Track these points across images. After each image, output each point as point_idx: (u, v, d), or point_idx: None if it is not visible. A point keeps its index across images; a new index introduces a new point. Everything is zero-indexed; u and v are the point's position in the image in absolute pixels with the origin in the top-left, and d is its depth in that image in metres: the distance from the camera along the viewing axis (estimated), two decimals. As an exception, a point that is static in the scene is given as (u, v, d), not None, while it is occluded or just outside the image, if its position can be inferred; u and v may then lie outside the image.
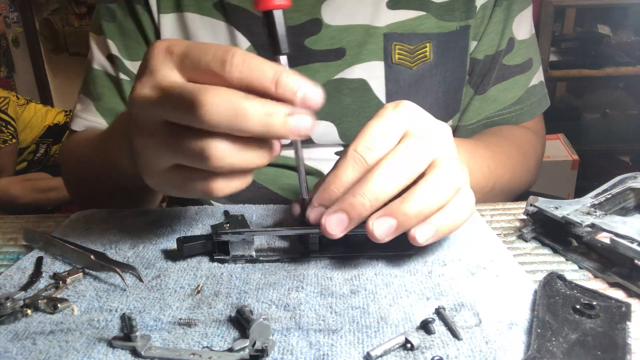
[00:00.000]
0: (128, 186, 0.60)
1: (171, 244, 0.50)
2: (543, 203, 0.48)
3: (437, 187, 0.40)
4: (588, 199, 0.49)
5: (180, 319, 0.37)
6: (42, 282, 0.44)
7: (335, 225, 0.40)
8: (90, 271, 0.45)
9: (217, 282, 0.43)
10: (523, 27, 0.76)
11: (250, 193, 0.74)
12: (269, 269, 0.45)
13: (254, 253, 0.46)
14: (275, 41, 0.41)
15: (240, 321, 0.36)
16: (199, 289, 0.42)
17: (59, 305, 0.39)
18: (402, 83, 0.70)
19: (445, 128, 0.44)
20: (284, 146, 0.40)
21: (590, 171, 2.10)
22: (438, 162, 0.41)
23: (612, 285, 0.41)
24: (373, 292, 0.40)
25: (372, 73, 0.70)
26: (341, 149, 0.74)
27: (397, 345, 0.34)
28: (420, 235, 0.40)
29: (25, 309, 0.39)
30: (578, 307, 0.36)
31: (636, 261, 0.41)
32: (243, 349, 0.34)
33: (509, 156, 0.71)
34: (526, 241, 0.50)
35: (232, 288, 0.42)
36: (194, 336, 0.36)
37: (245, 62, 0.36)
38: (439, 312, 0.37)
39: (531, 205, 0.49)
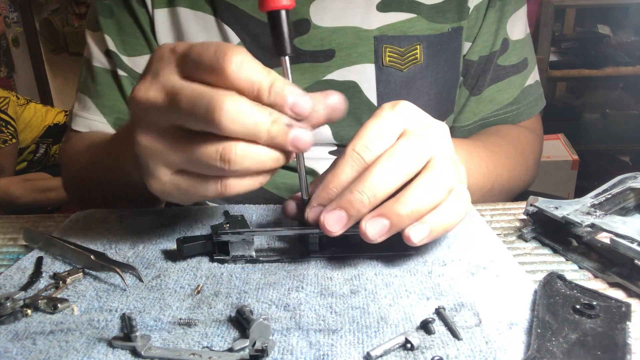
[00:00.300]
0: (133, 193, 0.60)
1: (171, 244, 0.50)
2: (543, 203, 0.48)
3: (430, 188, 0.40)
4: (588, 199, 0.49)
5: (180, 319, 0.37)
6: (42, 282, 0.44)
7: (334, 223, 0.40)
8: (90, 271, 0.45)
9: (217, 282, 0.43)
10: (517, 27, 0.76)
11: (247, 193, 0.73)
12: (269, 269, 0.45)
13: (253, 253, 0.46)
14: (279, 42, 0.41)
15: (240, 321, 0.36)
16: (199, 289, 0.42)
17: (59, 305, 0.39)
18: (393, 85, 0.71)
19: (442, 126, 0.44)
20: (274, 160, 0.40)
21: (590, 171, 2.10)
22: (432, 161, 0.41)
23: (612, 285, 0.41)
24: (373, 292, 0.40)
25: (362, 75, 0.70)
26: (335, 148, 0.74)
27: (397, 345, 0.34)
28: (415, 235, 0.40)
29: (25, 309, 0.39)
30: (578, 307, 0.36)
31: (636, 261, 0.41)
32: (243, 349, 0.34)
33: (507, 155, 0.71)
34: (526, 241, 0.50)
35: (232, 288, 0.42)
36: (194, 336, 0.36)
37: (245, 61, 0.36)
38: (439, 312, 0.37)
39: (531, 205, 0.49)
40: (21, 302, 0.39)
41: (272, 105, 0.37)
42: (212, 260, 0.46)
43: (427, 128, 0.42)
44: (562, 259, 0.46)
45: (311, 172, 0.73)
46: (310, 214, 0.43)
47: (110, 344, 0.35)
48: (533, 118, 0.80)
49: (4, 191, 2.00)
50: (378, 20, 0.69)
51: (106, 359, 0.34)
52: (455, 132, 0.79)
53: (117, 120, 0.75)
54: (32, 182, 2.09)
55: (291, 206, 0.46)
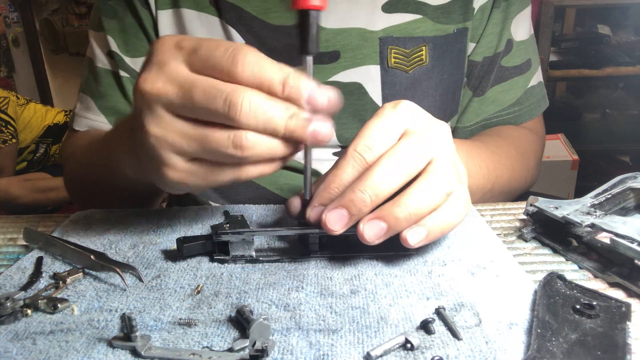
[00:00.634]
0: (129, 190, 0.60)
1: (171, 244, 0.50)
2: (543, 203, 0.48)
3: (428, 191, 0.40)
4: (588, 199, 0.49)
5: (180, 319, 0.37)
6: (42, 282, 0.44)
7: (336, 221, 0.40)
8: (90, 271, 0.45)
9: (217, 282, 0.43)
10: (522, 28, 0.76)
11: (248, 193, 0.73)
12: (269, 269, 0.45)
13: (253, 253, 0.46)
14: (305, 41, 0.41)
15: (240, 321, 0.36)
16: (199, 289, 0.42)
17: (59, 305, 0.39)
18: (399, 87, 0.70)
19: (444, 127, 0.44)
20: (290, 150, 0.41)
21: (590, 171, 2.10)
22: (433, 163, 0.41)
23: (612, 285, 0.41)
24: (373, 292, 0.40)
25: (368, 77, 0.70)
26: (339, 149, 0.74)
27: (397, 345, 0.34)
28: (412, 238, 0.40)
29: (25, 309, 0.39)
30: (578, 307, 0.36)
31: (636, 261, 0.41)
32: (243, 349, 0.34)
33: (508, 156, 0.71)
34: (526, 241, 0.50)
35: (232, 288, 0.42)
36: (194, 336, 0.36)
37: (256, 62, 0.37)
38: (439, 312, 0.37)
39: (531, 205, 0.49)
40: (21, 302, 0.39)
41: (288, 100, 0.38)
42: (212, 260, 0.46)
43: (428, 128, 0.42)
44: (562, 259, 0.46)
45: (315, 173, 0.73)
46: (311, 213, 0.43)
47: (110, 344, 0.35)
48: (535, 119, 0.80)
49: (4, 191, 2.00)
50: (383, 22, 0.69)
51: (106, 359, 0.34)
52: (457, 133, 0.79)
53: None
54: (32, 182, 2.09)
55: (294, 205, 0.46)
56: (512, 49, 0.75)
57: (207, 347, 0.35)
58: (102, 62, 0.74)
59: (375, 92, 0.70)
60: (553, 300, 0.37)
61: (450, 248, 0.47)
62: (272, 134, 0.38)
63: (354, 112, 0.71)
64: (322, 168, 0.73)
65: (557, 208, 0.47)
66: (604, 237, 0.46)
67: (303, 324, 0.37)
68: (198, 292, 0.41)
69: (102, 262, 0.44)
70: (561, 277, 0.40)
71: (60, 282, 0.43)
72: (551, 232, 0.49)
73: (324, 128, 0.39)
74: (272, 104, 0.37)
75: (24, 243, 0.51)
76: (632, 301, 0.38)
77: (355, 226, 0.41)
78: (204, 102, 0.37)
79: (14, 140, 2.10)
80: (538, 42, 0.81)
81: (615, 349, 0.32)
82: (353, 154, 0.41)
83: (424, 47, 0.70)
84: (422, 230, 0.40)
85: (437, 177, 0.41)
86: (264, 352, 0.32)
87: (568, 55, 2.39)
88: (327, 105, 0.38)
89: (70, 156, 0.75)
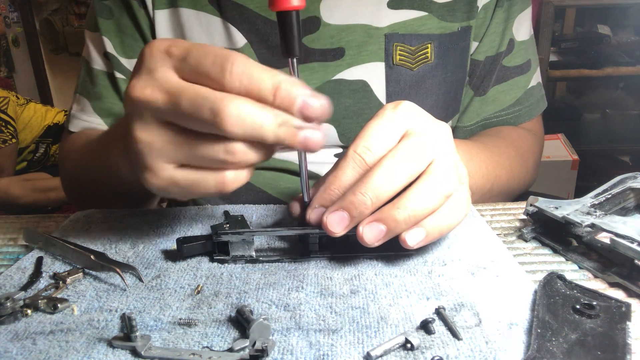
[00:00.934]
0: (124, 190, 0.60)
1: (171, 244, 0.50)
2: (543, 203, 0.48)
3: (427, 193, 0.40)
4: (588, 199, 0.49)
5: (180, 319, 0.37)
6: (42, 282, 0.44)
7: (337, 224, 0.40)
8: (90, 271, 0.45)
9: (217, 282, 0.43)
10: (523, 28, 0.76)
11: (249, 197, 0.73)
12: (269, 269, 0.45)
13: (253, 253, 0.46)
14: (288, 43, 0.41)
15: (240, 321, 0.36)
16: (199, 289, 0.42)
17: (59, 305, 0.39)
18: (403, 84, 0.70)
19: (445, 127, 0.44)
20: (282, 149, 0.41)
21: (590, 171, 2.10)
22: (433, 165, 0.41)
23: (612, 285, 0.41)
24: (373, 292, 0.40)
25: (372, 74, 0.69)
26: (341, 150, 0.73)
27: (397, 345, 0.34)
28: (410, 239, 0.40)
29: (25, 309, 0.39)
30: (578, 307, 0.36)
31: (636, 261, 0.41)
32: (243, 349, 0.34)
33: (507, 157, 0.71)
34: (526, 241, 0.50)
35: (232, 288, 0.42)
36: (194, 336, 0.36)
37: (245, 71, 0.36)
38: (439, 312, 0.37)
39: (531, 205, 0.49)
40: (21, 302, 0.39)
41: (280, 108, 0.37)
42: (212, 260, 0.46)
43: (429, 129, 0.42)
44: (562, 259, 0.46)
45: (315, 176, 0.72)
46: (311, 215, 0.43)
47: (110, 344, 0.35)
48: (534, 120, 0.80)
49: (4, 191, 2.00)
50: (389, 18, 0.68)
51: (106, 359, 0.34)
52: (457, 132, 0.79)
53: None
54: (32, 182, 2.09)
55: (296, 207, 0.46)
56: (514, 48, 0.75)
57: (207, 347, 0.35)
58: (97, 63, 0.74)
59: (379, 89, 0.70)
60: (553, 300, 0.37)
61: (450, 248, 0.47)
62: (260, 141, 0.38)
63: (358, 110, 0.70)
64: (323, 171, 0.72)
65: (557, 208, 0.47)
66: (604, 237, 0.46)
67: (303, 324, 0.37)
68: (198, 292, 0.41)
69: (102, 262, 0.44)
70: (561, 277, 0.40)
71: (60, 282, 0.43)
72: (551, 232, 0.49)
73: (315, 135, 0.38)
74: (259, 112, 0.36)
75: (24, 243, 0.51)
76: (632, 301, 0.38)
77: (355, 227, 0.41)
78: (191, 111, 0.36)
79: (14, 140, 2.10)
80: (538, 42, 0.81)
81: (615, 349, 0.32)
82: (353, 155, 0.41)
83: (429, 45, 0.69)
84: (421, 231, 0.41)
85: (437, 179, 0.41)
86: (264, 352, 0.32)
87: (568, 55, 2.39)
88: (320, 113, 0.37)
89: (66, 157, 0.74)
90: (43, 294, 0.41)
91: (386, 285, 0.41)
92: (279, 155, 0.72)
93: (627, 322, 0.34)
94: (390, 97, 0.70)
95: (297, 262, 0.46)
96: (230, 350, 0.34)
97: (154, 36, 0.72)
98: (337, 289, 0.41)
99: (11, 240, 0.54)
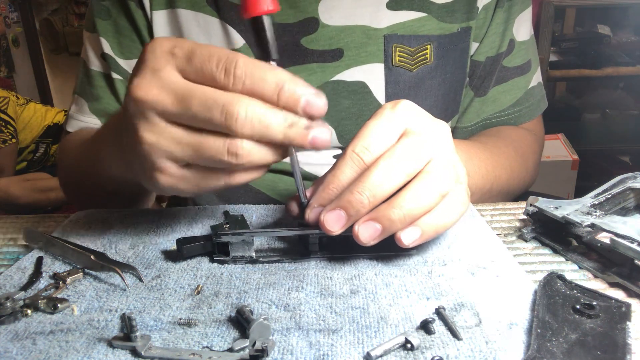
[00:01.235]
0: (114, 190, 0.60)
1: (171, 244, 0.50)
2: (543, 203, 0.48)
3: (423, 193, 0.40)
4: (588, 199, 0.49)
5: (180, 319, 0.37)
6: (42, 282, 0.44)
7: (334, 222, 0.41)
8: (90, 271, 0.45)
9: (217, 282, 0.43)
10: (523, 28, 0.76)
11: (248, 198, 0.73)
12: (269, 269, 0.45)
13: (253, 254, 0.46)
14: (265, 48, 0.41)
15: (240, 321, 0.36)
16: (199, 289, 0.42)
17: (59, 305, 0.39)
18: (402, 85, 0.70)
19: (443, 126, 0.44)
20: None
21: (590, 171, 2.11)
22: (430, 164, 0.41)
23: (612, 285, 0.41)
24: (373, 292, 0.40)
25: (371, 75, 0.69)
26: (339, 152, 0.73)
27: (397, 345, 0.34)
28: (406, 237, 0.41)
29: (25, 309, 0.39)
30: (578, 307, 0.36)
31: (636, 261, 0.41)
32: (243, 349, 0.34)
33: (507, 157, 0.71)
34: (526, 241, 0.50)
35: (232, 288, 0.42)
36: (194, 336, 0.36)
37: (249, 72, 0.37)
38: (439, 312, 0.37)
39: (531, 205, 0.49)
40: (21, 302, 0.39)
41: (285, 108, 0.38)
42: (212, 260, 0.46)
43: (428, 128, 0.42)
44: (562, 259, 0.46)
45: (314, 178, 0.72)
46: (310, 214, 0.43)
47: (110, 344, 0.35)
48: (534, 120, 0.80)
49: (4, 191, 2.00)
50: (388, 19, 0.68)
51: (106, 359, 0.34)
52: (457, 133, 0.78)
53: None
54: (32, 182, 2.09)
55: (294, 206, 0.46)
56: (514, 49, 0.75)
57: (207, 347, 0.35)
58: (95, 64, 0.74)
59: (378, 91, 0.70)
60: (553, 300, 0.37)
61: (450, 248, 0.47)
62: (270, 142, 0.38)
63: (357, 111, 0.70)
64: (322, 172, 0.72)
65: (557, 208, 0.47)
66: (604, 237, 0.46)
67: (303, 324, 0.37)
68: (198, 292, 0.41)
69: (102, 262, 0.44)
70: (561, 277, 0.40)
71: (60, 282, 0.43)
72: (551, 232, 0.49)
73: (324, 134, 0.39)
74: (269, 113, 0.37)
75: (24, 243, 0.51)
76: (632, 301, 0.38)
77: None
78: (201, 112, 0.37)
79: (13, 140, 2.10)
80: (538, 42, 0.81)
81: (615, 349, 0.32)
82: (351, 155, 0.41)
83: (428, 46, 0.69)
84: (416, 230, 0.41)
85: (433, 178, 0.41)
86: (264, 352, 0.32)
87: (568, 55, 2.39)
88: (323, 111, 0.38)
89: (63, 157, 0.75)
90: (43, 294, 0.41)
91: (386, 285, 0.41)
92: None
93: (627, 322, 0.34)
94: (390, 98, 0.70)
95: (297, 262, 0.46)
96: (230, 350, 0.34)
97: (151, 37, 0.72)
98: (337, 289, 0.41)
99: (11, 240, 0.54)
